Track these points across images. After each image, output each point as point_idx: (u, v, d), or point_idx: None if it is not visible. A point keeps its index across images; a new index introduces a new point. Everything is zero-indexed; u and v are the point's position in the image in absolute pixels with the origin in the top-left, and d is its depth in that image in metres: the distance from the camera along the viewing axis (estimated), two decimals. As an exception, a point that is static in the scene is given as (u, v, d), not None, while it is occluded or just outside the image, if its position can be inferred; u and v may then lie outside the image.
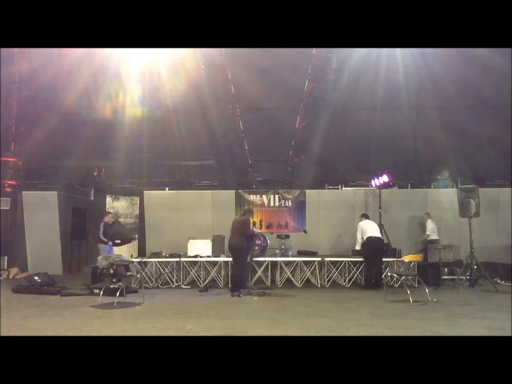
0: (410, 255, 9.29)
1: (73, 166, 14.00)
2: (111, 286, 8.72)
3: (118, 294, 8.04)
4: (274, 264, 10.88)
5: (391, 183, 14.00)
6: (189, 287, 10.62)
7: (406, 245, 11.04)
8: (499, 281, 10.59)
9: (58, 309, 7.50)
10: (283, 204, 14.08)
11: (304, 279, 10.82)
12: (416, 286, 9.99)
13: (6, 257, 13.07)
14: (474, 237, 13.10)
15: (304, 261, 10.82)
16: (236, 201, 14.04)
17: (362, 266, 10.76)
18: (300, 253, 11.89)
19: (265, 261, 10.73)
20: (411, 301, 7.90)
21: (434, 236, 12.06)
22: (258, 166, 14.75)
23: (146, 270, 10.84)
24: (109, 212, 13.31)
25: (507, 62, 10.68)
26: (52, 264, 12.37)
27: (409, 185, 14.47)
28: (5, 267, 12.79)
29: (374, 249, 10.26)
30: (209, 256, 11.00)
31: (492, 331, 5.49)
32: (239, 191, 14.15)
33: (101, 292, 8.57)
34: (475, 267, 10.39)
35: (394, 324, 6.07)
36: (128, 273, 9.01)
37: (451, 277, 11.06)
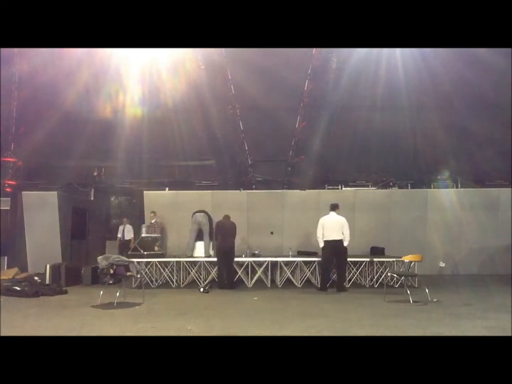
0: (410, 255, 9.28)
1: (73, 166, 13.99)
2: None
3: (118, 294, 8.04)
4: (274, 264, 10.89)
5: (391, 183, 14.02)
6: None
7: (406, 245, 11.02)
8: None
9: (58, 309, 7.50)
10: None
11: (304, 279, 10.82)
12: (416, 286, 9.99)
13: (6, 257, 13.06)
14: (474, 237, 13.19)
15: (304, 261, 10.81)
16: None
17: (361, 266, 10.77)
18: (300, 253, 11.88)
19: (265, 261, 10.73)
20: (411, 301, 7.90)
21: None
22: (258, 166, 14.74)
23: (146, 270, 10.85)
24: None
25: (507, 62, 10.67)
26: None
27: (409, 185, 14.47)
28: (5, 267, 12.78)
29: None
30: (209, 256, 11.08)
31: (492, 331, 5.49)
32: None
33: (101, 292, 8.57)
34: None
35: (394, 324, 6.07)
36: (128, 273, 9.01)
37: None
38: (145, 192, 14.16)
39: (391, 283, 10.22)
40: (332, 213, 10.12)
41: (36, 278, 10.33)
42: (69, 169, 14.01)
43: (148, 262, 10.86)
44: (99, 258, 8.62)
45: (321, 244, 9.93)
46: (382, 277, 10.43)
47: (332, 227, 9.88)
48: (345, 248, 9.84)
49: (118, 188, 15.27)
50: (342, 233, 9.80)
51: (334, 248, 9.77)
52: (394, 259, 10.45)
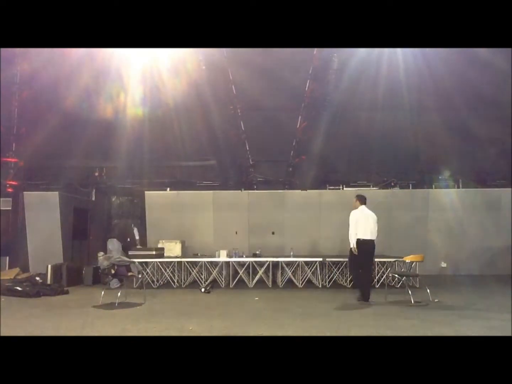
0: (411, 256, 9.27)
1: (74, 167, 14.00)
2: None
3: (119, 294, 8.04)
4: (275, 264, 10.88)
5: (392, 183, 14.01)
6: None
7: (407, 246, 11.01)
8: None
9: (59, 309, 7.51)
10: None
11: (306, 280, 10.81)
12: (418, 286, 9.98)
13: (7, 258, 13.07)
14: (475, 237, 13.18)
15: (305, 262, 10.81)
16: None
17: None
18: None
19: (266, 261, 10.73)
20: (413, 302, 7.89)
21: None
22: (259, 167, 14.74)
23: (147, 270, 10.85)
24: None
25: (508, 62, 10.65)
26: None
27: (410, 185, 14.45)
28: (7, 268, 12.79)
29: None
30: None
31: (492, 331, 5.48)
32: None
33: (103, 292, 8.57)
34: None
35: (395, 324, 6.06)
36: (129, 274, 9.02)
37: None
38: (146, 192, 14.18)
39: (393, 283, 10.22)
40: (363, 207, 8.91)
41: (37, 278, 10.35)
42: (70, 169, 14.02)
43: (150, 263, 10.87)
44: (100, 258, 8.62)
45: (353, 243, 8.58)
46: (383, 278, 10.42)
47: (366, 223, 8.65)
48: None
49: (119, 189, 15.29)
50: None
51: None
52: (396, 259, 10.44)
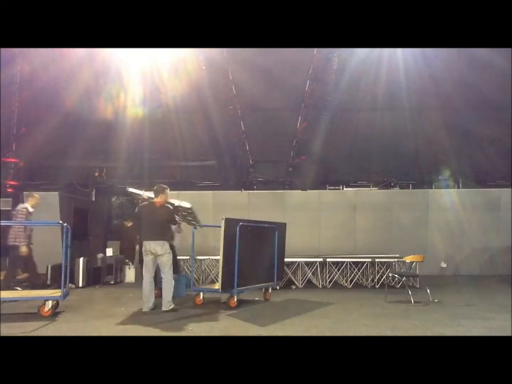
0: (411, 256, 9.25)
1: (74, 167, 14.00)
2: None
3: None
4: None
5: (392, 184, 14.01)
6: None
7: (407, 246, 11.01)
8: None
9: (59, 309, 7.50)
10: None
11: (306, 280, 10.81)
12: (418, 286, 9.98)
13: (7, 258, 13.05)
14: (475, 237, 13.17)
15: (305, 262, 10.80)
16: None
17: (363, 267, 10.75)
18: None
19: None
20: (413, 302, 7.89)
21: None
22: (259, 167, 14.73)
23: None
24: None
25: (508, 62, 10.66)
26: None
27: (410, 185, 14.45)
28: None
29: None
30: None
31: (492, 331, 5.48)
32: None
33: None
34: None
35: (395, 324, 6.06)
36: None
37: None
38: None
39: (393, 283, 10.21)
40: None
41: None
42: (70, 169, 14.01)
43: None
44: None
45: None
46: (383, 278, 10.42)
47: None
48: None
49: (119, 189, 15.28)
50: None
51: None
52: (396, 260, 10.45)
